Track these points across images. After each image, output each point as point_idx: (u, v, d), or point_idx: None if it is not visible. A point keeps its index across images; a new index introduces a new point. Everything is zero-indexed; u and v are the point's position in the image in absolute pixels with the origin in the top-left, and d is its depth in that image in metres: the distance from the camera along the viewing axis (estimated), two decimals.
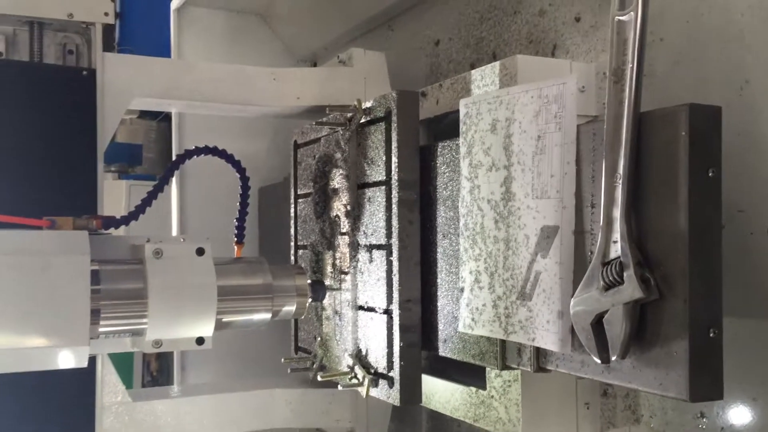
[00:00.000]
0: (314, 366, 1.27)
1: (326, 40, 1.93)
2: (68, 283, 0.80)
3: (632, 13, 0.78)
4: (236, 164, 1.06)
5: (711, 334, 0.73)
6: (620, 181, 0.78)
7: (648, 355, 0.76)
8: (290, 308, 1.09)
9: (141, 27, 3.82)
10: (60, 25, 1.29)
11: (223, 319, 0.99)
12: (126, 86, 1.20)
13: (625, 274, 0.77)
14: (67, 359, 0.84)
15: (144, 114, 4.43)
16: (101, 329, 0.88)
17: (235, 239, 1.09)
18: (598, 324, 0.80)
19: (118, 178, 3.90)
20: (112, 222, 0.94)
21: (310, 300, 1.13)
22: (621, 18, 0.79)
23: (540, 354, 0.92)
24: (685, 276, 0.73)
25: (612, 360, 0.78)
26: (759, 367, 0.87)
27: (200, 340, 0.93)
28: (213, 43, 1.90)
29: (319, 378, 1.23)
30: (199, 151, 1.02)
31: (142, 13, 3.86)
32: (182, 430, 1.25)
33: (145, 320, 0.90)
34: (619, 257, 0.78)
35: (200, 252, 0.94)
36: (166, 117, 4.41)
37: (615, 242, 0.79)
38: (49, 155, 1.12)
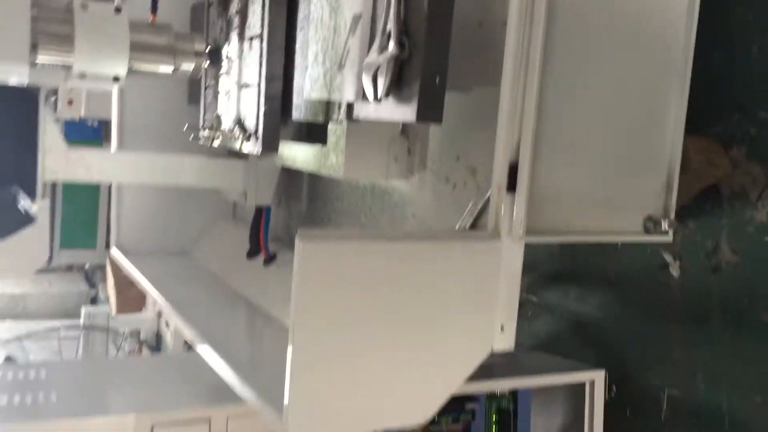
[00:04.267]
0: (213, 136, 1.66)
1: None
2: (10, 8, 1.15)
3: None
4: None
5: (437, 81, 1.11)
6: None
7: (400, 95, 1.14)
8: (188, 67, 1.46)
9: None
10: None
11: (134, 67, 1.36)
12: None
13: (391, 41, 1.14)
14: (10, 73, 1.21)
15: None
16: (39, 59, 1.24)
17: (151, 9, 1.44)
18: (374, 76, 1.18)
19: None
20: None
21: (206, 62, 1.50)
22: None
23: (350, 108, 1.30)
24: (423, 40, 1.10)
25: (381, 98, 1.17)
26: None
27: (116, 79, 1.31)
28: None
29: (215, 144, 1.62)
30: None
31: None
32: (108, 176, 1.65)
33: (72, 56, 1.26)
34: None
35: (118, 10, 1.29)
36: None
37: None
38: None
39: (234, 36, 1.56)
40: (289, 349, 0.99)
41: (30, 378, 1.51)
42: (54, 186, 5.62)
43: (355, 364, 1.03)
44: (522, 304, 2.18)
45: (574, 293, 2.04)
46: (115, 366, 2.01)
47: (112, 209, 2.05)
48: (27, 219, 1.38)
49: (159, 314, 4.98)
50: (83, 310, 5.07)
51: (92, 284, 7.03)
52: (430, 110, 1.12)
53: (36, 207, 1.48)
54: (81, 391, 1.50)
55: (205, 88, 1.74)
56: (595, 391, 1.79)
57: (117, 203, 2.09)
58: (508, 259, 1.10)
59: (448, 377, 1.09)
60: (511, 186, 1.09)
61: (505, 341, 1.11)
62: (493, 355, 2.02)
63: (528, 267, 2.19)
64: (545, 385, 1.79)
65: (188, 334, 1.48)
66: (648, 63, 1.22)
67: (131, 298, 5.57)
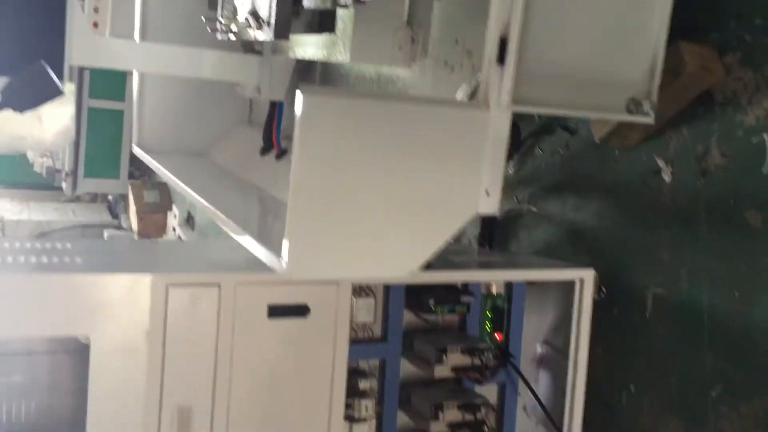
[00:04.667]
0: (228, 26, 1.75)
1: None
2: None
3: None
4: None
5: None
6: None
7: None
8: None
9: None
10: None
11: None
12: None
13: None
14: None
15: None
16: None
17: None
18: None
19: None
20: None
21: None
22: None
23: None
24: None
25: None
26: None
27: None
28: None
29: (231, 37, 1.71)
30: None
31: None
32: (130, 64, 1.75)
33: None
34: None
35: None
36: None
37: None
38: None
39: None
40: (289, 197, 1.09)
41: (57, 247, 1.65)
42: (79, 115, 5.75)
43: (348, 216, 1.13)
44: (522, 215, 2.28)
45: (572, 202, 2.13)
46: (134, 244, 2.15)
47: (135, 109, 2.15)
48: (56, 91, 1.49)
49: (179, 239, 5.15)
50: (106, 232, 5.26)
51: (115, 215, 7.22)
52: None
53: (65, 89, 1.59)
54: (103, 257, 1.64)
55: None
56: (584, 289, 1.89)
57: (139, 104, 2.20)
58: (496, 128, 1.19)
59: (434, 235, 1.20)
60: (501, 58, 1.17)
61: (489, 205, 1.21)
62: (492, 254, 2.13)
63: (529, 179, 2.30)
64: (537, 279, 1.90)
65: (206, 205, 1.60)
66: None
67: (152, 223, 5.75)
